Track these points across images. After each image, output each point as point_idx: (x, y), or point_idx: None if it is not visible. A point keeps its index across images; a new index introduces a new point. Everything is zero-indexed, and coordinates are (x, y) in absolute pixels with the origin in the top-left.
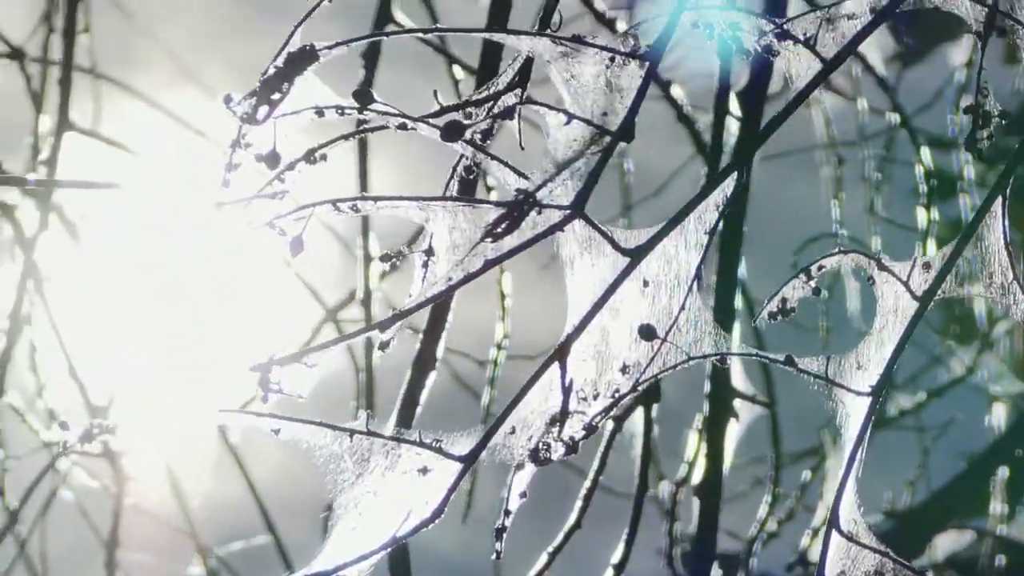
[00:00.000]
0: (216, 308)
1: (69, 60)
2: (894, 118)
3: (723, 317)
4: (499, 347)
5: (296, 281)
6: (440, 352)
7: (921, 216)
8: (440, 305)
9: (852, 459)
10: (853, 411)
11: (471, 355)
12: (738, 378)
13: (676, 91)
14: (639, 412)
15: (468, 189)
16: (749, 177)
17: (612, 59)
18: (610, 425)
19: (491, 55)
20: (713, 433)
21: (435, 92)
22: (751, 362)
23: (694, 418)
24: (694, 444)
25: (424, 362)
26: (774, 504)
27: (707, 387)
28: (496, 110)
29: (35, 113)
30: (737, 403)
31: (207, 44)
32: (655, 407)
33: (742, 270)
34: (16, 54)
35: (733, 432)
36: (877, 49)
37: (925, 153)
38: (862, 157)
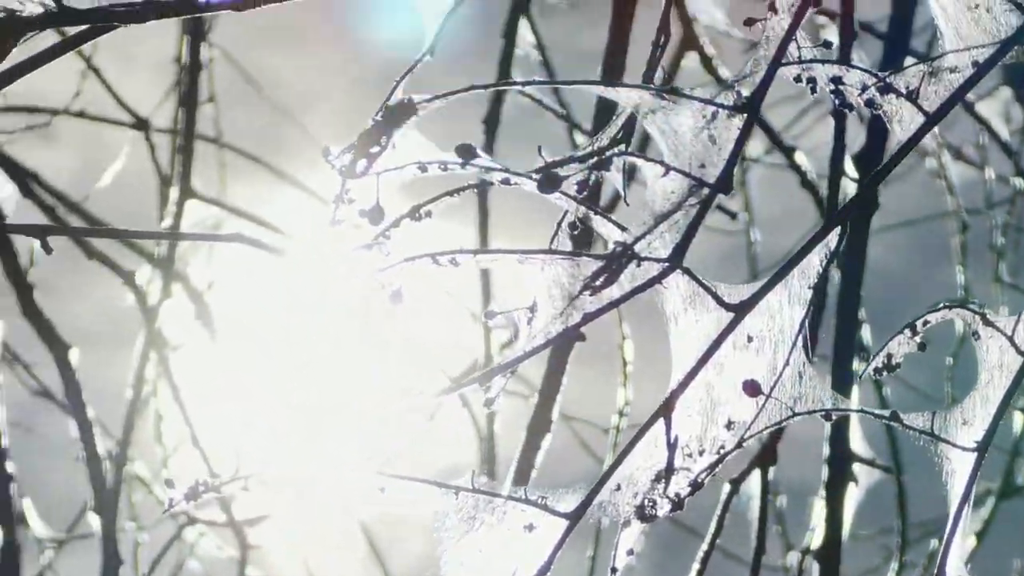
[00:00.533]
0: (341, 377)
1: (191, 128)
2: (1020, 183)
3: (841, 382)
4: (621, 414)
5: (421, 351)
6: (555, 415)
7: None
8: (555, 368)
9: (958, 516)
10: (959, 467)
11: (594, 423)
12: (858, 443)
13: (800, 158)
14: (756, 475)
15: (583, 246)
16: (866, 238)
17: (714, 113)
18: (727, 488)
19: (604, 117)
20: (832, 498)
21: (539, 148)
22: (874, 428)
23: (818, 485)
24: (817, 510)
25: (539, 424)
26: (901, 573)
27: (825, 451)
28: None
29: (159, 182)
30: (857, 468)
31: (346, 124)
32: (771, 470)
33: (867, 336)
34: (141, 124)
35: (853, 497)
36: (1003, 117)
37: None
38: (989, 225)
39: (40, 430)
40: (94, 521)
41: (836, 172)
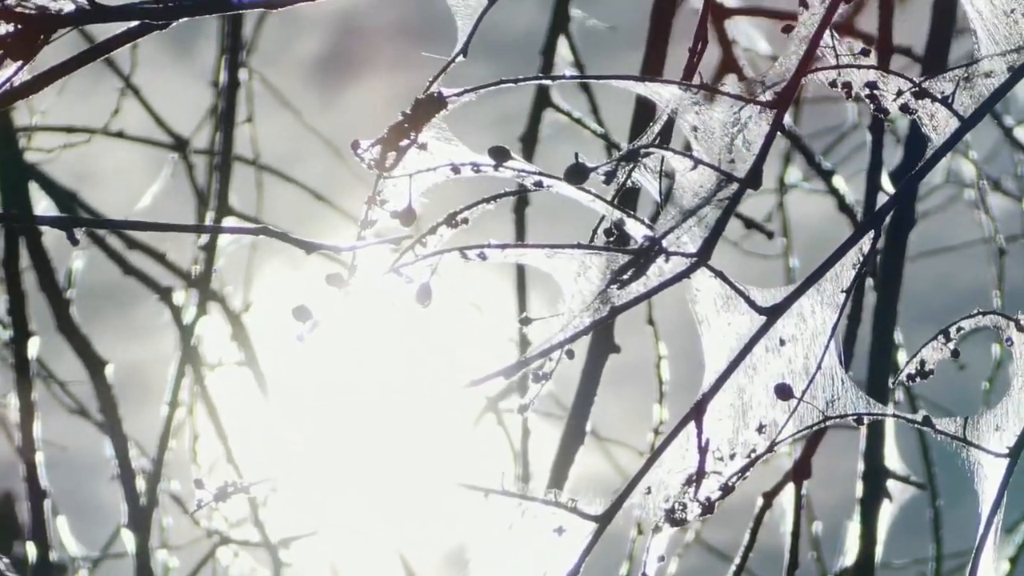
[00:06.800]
0: (378, 397)
1: (228, 147)
2: None
3: (878, 390)
4: (656, 432)
5: (460, 372)
6: (588, 427)
7: None
8: (587, 381)
9: (990, 523)
10: (991, 473)
11: (630, 444)
12: (893, 460)
13: (838, 182)
14: (790, 489)
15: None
16: (903, 253)
17: (740, 109)
18: (760, 502)
19: (640, 127)
20: (866, 514)
21: (576, 154)
22: (908, 443)
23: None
24: (851, 528)
25: (572, 437)
26: None
27: (860, 467)
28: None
29: (197, 201)
30: (892, 484)
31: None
32: (805, 484)
33: (903, 359)
34: (179, 145)
35: (887, 513)
36: None
37: None
38: None
39: (75, 447)
40: (128, 539)
41: (873, 185)
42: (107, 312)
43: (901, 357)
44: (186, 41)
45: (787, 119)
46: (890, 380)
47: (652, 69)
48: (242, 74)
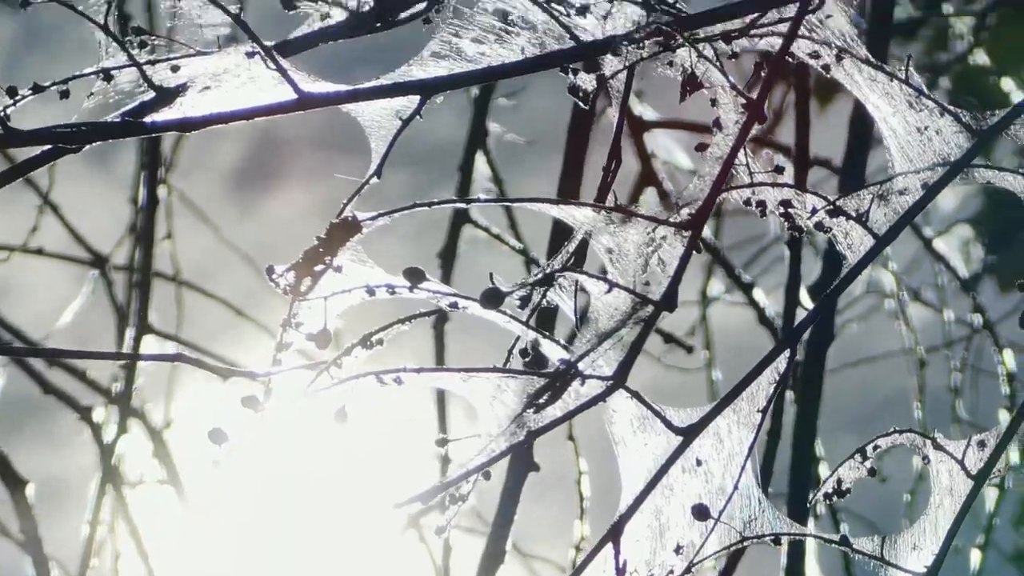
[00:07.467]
0: (303, 517)
1: (148, 265)
2: (977, 320)
3: (798, 517)
4: (577, 549)
5: (383, 489)
6: (508, 547)
7: (1004, 418)
8: (507, 499)
9: None
10: None
11: (550, 559)
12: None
13: (758, 295)
14: None
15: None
16: (822, 369)
17: (660, 232)
18: None
19: (558, 246)
20: None
21: (491, 274)
22: (831, 561)
23: None
24: None
25: (492, 556)
26: None
27: None
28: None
29: (117, 319)
30: None
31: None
32: None
33: (824, 473)
34: (98, 261)
35: None
36: (961, 253)
37: (1008, 356)
38: (947, 366)
39: None
40: None
41: (792, 301)
42: (27, 427)
43: (822, 470)
44: (105, 154)
45: (707, 232)
46: (808, 499)
47: (569, 183)
48: (161, 191)
